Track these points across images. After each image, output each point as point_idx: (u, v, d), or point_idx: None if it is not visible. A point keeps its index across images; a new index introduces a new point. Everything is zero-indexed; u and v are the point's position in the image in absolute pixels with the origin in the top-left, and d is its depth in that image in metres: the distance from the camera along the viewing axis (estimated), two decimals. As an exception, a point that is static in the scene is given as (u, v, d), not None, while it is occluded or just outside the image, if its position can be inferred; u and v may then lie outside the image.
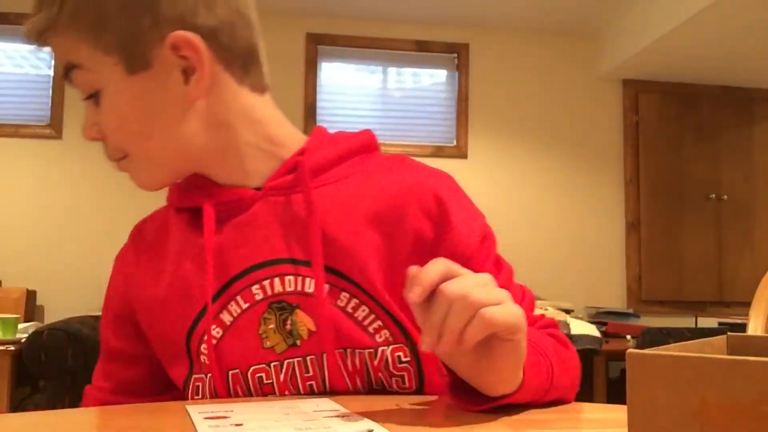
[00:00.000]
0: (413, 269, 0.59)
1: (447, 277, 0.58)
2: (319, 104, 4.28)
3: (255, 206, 0.80)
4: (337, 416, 0.62)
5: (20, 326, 2.99)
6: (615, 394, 3.52)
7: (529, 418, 0.65)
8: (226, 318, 0.77)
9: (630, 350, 0.40)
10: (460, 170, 4.38)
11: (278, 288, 0.77)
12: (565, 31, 4.48)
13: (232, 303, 0.77)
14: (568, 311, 3.67)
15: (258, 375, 0.76)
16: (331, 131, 0.89)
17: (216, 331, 0.77)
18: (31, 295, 3.72)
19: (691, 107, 4.57)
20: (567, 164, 4.47)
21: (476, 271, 0.74)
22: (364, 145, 0.85)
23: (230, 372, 0.76)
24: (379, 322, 0.77)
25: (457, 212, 0.80)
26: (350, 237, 0.77)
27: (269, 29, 4.53)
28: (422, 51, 4.41)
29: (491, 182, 4.39)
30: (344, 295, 0.76)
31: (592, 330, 3.45)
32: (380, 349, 0.76)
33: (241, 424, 0.58)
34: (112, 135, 0.77)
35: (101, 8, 0.73)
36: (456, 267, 0.60)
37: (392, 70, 4.45)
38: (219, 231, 0.80)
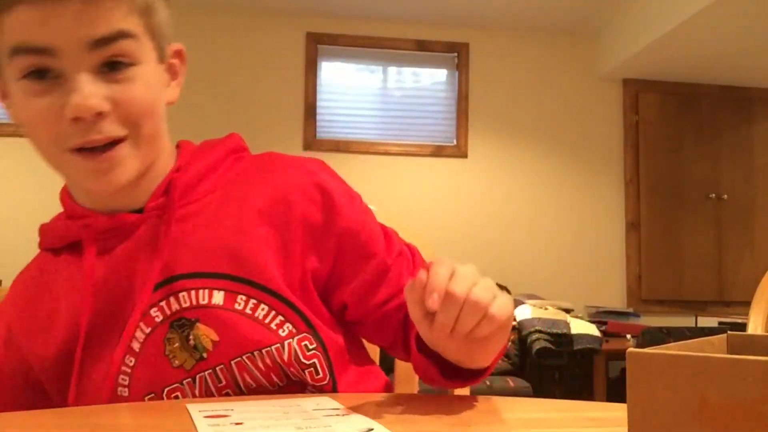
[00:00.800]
0: (423, 274, 0.63)
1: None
2: (319, 104, 4.28)
3: (139, 230, 0.79)
4: (338, 414, 0.62)
5: (20, 326, 2.98)
6: (615, 393, 3.52)
7: (528, 418, 0.65)
8: (136, 346, 0.78)
9: (630, 349, 0.40)
10: (460, 170, 4.40)
11: (175, 306, 0.77)
12: (565, 31, 4.48)
13: (138, 330, 0.78)
14: (568, 311, 3.68)
15: (174, 395, 0.77)
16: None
17: (130, 361, 0.77)
18: (31, 294, 3.71)
19: (691, 107, 4.57)
20: (567, 164, 4.47)
21: (367, 241, 0.83)
22: (232, 149, 0.87)
23: (146, 397, 0.77)
24: (281, 317, 0.78)
25: (338, 194, 0.84)
26: (240, 238, 0.79)
27: (269, 29, 4.55)
28: (422, 51, 4.41)
29: (491, 182, 4.39)
30: (241, 298, 0.77)
31: (592, 329, 3.45)
32: (286, 342, 0.78)
33: (241, 423, 0.58)
34: (133, 109, 0.74)
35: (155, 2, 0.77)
36: (450, 264, 0.64)
37: (392, 70, 4.45)
38: (107, 260, 0.79)
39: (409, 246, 0.89)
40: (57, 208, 0.88)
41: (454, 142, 4.39)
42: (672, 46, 3.93)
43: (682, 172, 4.52)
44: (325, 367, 0.80)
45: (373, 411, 0.65)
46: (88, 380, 0.78)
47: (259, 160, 0.87)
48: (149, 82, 0.76)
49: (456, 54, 4.43)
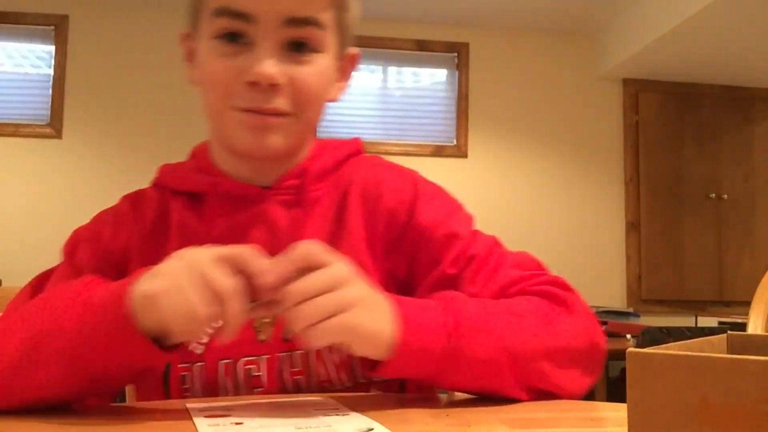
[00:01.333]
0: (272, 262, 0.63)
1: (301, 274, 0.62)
2: (319, 104, 4.28)
3: (261, 204, 0.83)
4: (338, 414, 0.62)
5: (20, 326, 2.98)
6: (615, 393, 3.52)
7: (528, 417, 0.65)
8: None
9: (630, 349, 0.40)
10: (460, 170, 4.40)
11: None
12: (565, 31, 4.48)
13: None
14: (568, 311, 3.67)
15: (248, 367, 0.78)
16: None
17: (216, 322, 0.77)
18: (31, 294, 3.70)
19: (691, 107, 4.57)
20: (567, 164, 4.47)
21: (442, 247, 0.80)
22: (354, 151, 0.92)
23: (222, 361, 0.78)
24: None
25: (427, 194, 0.86)
26: (340, 233, 0.82)
27: (269, 29, 4.39)
28: (422, 50, 4.40)
29: (491, 182, 4.39)
30: None
31: (592, 329, 3.44)
32: None
33: (241, 423, 0.58)
34: (304, 90, 0.78)
35: (348, 3, 0.84)
36: (308, 257, 0.63)
37: (392, 70, 4.45)
38: (222, 222, 0.82)
39: (500, 253, 0.84)
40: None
41: (454, 142, 4.38)
42: (672, 46, 3.93)
43: (682, 172, 4.52)
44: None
45: (373, 411, 0.65)
46: None
47: (366, 160, 0.92)
48: (324, 72, 0.81)
49: (456, 54, 4.43)
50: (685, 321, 4.18)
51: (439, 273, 0.81)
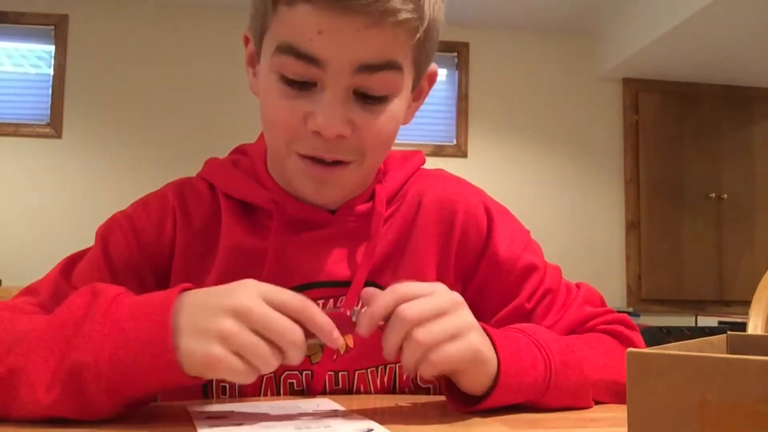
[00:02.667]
0: (368, 293, 0.62)
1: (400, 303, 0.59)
2: (319, 104, 4.28)
3: (325, 230, 0.79)
4: (338, 416, 0.62)
5: (20, 326, 2.97)
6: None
7: (528, 418, 0.65)
8: None
9: (630, 349, 0.40)
10: (460, 170, 4.36)
11: (330, 306, 0.77)
12: (565, 30, 4.48)
13: None
14: (568, 311, 3.67)
15: (290, 381, 0.77)
16: None
17: None
18: (31, 294, 3.70)
19: (691, 106, 4.57)
20: (567, 164, 4.47)
21: (517, 281, 0.80)
22: (419, 164, 0.89)
23: (265, 376, 0.76)
24: None
25: (501, 223, 0.84)
26: (407, 256, 0.80)
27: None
28: (422, 50, 4.41)
29: (491, 181, 4.37)
30: None
31: (592, 329, 3.45)
32: None
33: (241, 424, 0.58)
34: (371, 140, 0.73)
35: (433, 26, 0.73)
36: (411, 290, 0.61)
37: (392, 70, 4.45)
38: (280, 242, 0.77)
39: (567, 285, 0.85)
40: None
41: (454, 141, 4.38)
42: (672, 46, 3.93)
43: (682, 172, 4.52)
44: (437, 393, 0.80)
45: (373, 411, 0.65)
46: None
47: (432, 174, 0.88)
48: (396, 116, 0.74)
49: (456, 54, 4.43)
50: (685, 321, 4.18)
51: (516, 306, 0.81)
